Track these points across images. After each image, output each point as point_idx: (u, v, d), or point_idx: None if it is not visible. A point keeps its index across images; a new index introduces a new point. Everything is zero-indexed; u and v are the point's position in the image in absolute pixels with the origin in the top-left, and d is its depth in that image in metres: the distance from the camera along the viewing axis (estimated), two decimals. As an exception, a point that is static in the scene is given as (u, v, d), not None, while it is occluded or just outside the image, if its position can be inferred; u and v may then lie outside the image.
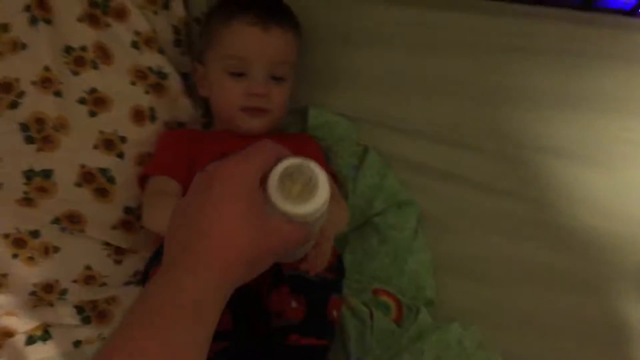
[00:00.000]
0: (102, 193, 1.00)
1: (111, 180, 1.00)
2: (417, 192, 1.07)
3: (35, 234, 0.96)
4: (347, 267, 1.01)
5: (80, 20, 1.00)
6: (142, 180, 0.99)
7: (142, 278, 0.96)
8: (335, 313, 0.88)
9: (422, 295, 1.01)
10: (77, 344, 1.00)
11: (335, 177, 1.04)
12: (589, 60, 1.08)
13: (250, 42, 0.96)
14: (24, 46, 0.97)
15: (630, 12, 1.17)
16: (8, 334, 0.99)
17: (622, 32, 1.10)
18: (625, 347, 0.99)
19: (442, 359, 0.92)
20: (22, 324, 0.99)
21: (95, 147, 0.99)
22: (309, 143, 1.05)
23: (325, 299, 0.86)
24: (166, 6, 1.07)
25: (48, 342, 1.00)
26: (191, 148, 1.00)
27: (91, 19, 1.00)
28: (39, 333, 0.99)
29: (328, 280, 0.88)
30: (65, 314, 1.00)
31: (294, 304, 0.84)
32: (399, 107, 1.10)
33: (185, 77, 1.09)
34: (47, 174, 0.97)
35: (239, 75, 0.97)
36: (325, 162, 1.05)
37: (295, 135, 1.09)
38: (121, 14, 1.03)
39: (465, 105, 1.09)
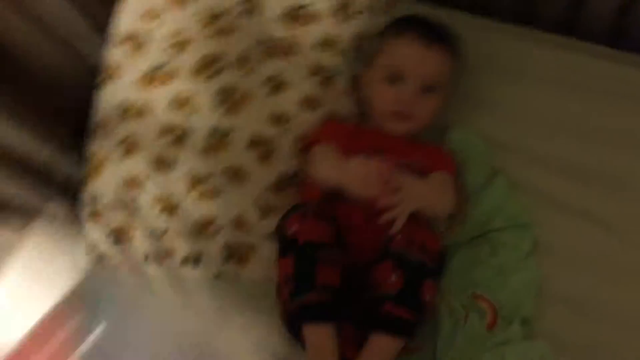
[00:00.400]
0: (265, 157, 1.21)
1: (274, 148, 1.21)
2: (539, 220, 1.13)
3: (206, 177, 1.19)
4: (454, 271, 1.11)
5: (280, 17, 1.22)
6: (306, 148, 1.17)
7: (277, 227, 1.13)
8: (428, 296, 0.98)
9: (519, 312, 1.07)
10: (217, 275, 1.21)
11: (462, 188, 1.16)
12: None
13: (412, 55, 1.12)
14: (232, 31, 1.21)
15: None
16: (170, 253, 1.23)
17: None
18: None
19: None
20: (182, 248, 1.22)
21: (268, 119, 1.20)
22: (446, 158, 1.17)
23: (421, 279, 0.97)
24: (353, 17, 1.26)
25: (196, 268, 1.22)
26: (347, 138, 1.17)
27: (289, 18, 1.23)
28: (192, 259, 1.22)
29: (427, 265, 0.98)
30: (214, 249, 1.22)
31: (393, 278, 0.96)
32: (537, 140, 1.18)
33: (354, 79, 1.27)
34: (226, 133, 1.20)
35: (394, 81, 1.13)
36: (458, 173, 1.16)
37: (435, 146, 1.21)
38: (315, 19, 1.24)
39: (602, 150, 1.14)
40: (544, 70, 1.21)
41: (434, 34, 1.14)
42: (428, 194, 1.06)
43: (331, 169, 1.06)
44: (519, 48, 1.22)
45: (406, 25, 1.18)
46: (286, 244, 1.02)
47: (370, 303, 1.00)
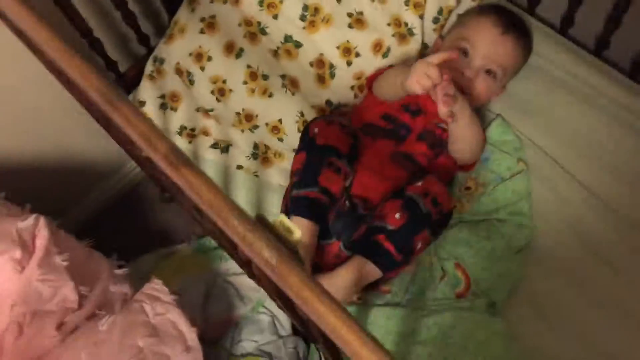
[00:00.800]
0: (321, 79, 1.30)
1: (332, 75, 1.30)
2: (540, 225, 1.19)
3: (266, 77, 1.28)
4: (448, 238, 1.17)
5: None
6: (372, 80, 1.25)
7: (304, 127, 1.19)
8: (419, 245, 1.04)
9: (490, 294, 1.13)
10: (239, 167, 1.30)
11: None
12: None
13: (485, 35, 1.19)
14: None
15: None
16: (205, 132, 1.32)
17: None
18: None
19: (472, 334, 1.05)
20: (217, 132, 1.31)
21: (337, 47, 1.29)
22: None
23: (420, 228, 1.04)
24: (444, -8, 1.34)
25: (223, 154, 1.31)
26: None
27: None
28: (223, 144, 1.31)
29: (432, 217, 1.05)
30: (245, 143, 1.31)
31: (397, 215, 1.03)
32: (568, 155, 1.23)
33: (425, 47, 1.35)
34: (298, 45, 1.30)
35: (462, 54, 1.20)
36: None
37: None
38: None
39: (622, 188, 1.19)
40: (602, 100, 1.27)
41: (512, 24, 1.20)
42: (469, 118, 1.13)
43: (398, 73, 1.13)
44: (584, 72, 1.28)
45: (490, 8, 1.25)
46: (305, 142, 1.11)
47: (367, 230, 1.07)
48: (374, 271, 1.03)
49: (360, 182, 1.13)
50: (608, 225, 1.18)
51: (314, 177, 1.05)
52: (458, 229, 1.19)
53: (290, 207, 1.07)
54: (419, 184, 1.06)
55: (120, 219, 1.60)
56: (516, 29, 1.21)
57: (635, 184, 1.19)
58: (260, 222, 0.51)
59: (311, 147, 1.09)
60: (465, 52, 1.20)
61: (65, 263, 0.97)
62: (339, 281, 1.01)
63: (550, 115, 1.27)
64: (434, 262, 1.14)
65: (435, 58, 1.03)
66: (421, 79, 1.02)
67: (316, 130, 1.11)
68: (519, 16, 1.28)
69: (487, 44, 1.19)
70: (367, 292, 1.16)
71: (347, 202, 1.12)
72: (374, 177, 1.13)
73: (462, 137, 1.13)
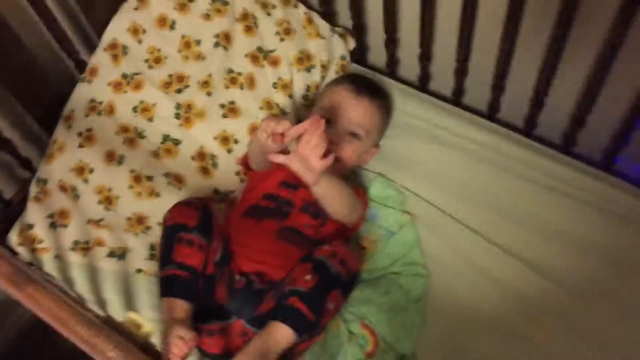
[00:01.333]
0: (204, 171, 1.33)
1: (215, 165, 1.34)
2: (435, 270, 1.25)
3: (150, 178, 1.31)
4: (351, 301, 1.20)
5: (246, 56, 1.39)
6: (245, 159, 1.30)
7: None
8: (331, 305, 1.05)
9: (398, 347, 1.16)
10: (138, 270, 1.29)
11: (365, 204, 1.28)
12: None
13: (342, 100, 1.28)
14: (203, 58, 1.38)
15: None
16: (99, 243, 1.32)
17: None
18: None
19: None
20: (111, 240, 1.31)
21: (215, 138, 1.34)
22: (358, 191, 1.28)
23: (331, 287, 1.05)
24: (308, 70, 1.43)
25: (120, 261, 1.30)
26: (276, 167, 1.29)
27: (253, 58, 1.40)
28: (119, 252, 1.31)
29: (341, 277, 1.07)
30: (141, 246, 1.31)
31: (308, 277, 1.04)
32: (450, 203, 1.31)
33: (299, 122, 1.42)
34: (176, 142, 1.34)
35: (327, 123, 1.27)
36: (364, 211, 1.28)
37: (351, 185, 1.33)
38: (275, 63, 1.41)
39: (509, 226, 1.27)
40: (470, 149, 1.37)
41: (365, 88, 1.30)
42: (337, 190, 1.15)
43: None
44: (453, 122, 1.39)
45: (344, 77, 1.36)
46: (163, 229, 1.16)
47: (280, 295, 1.08)
48: (286, 334, 1.02)
49: (250, 259, 1.15)
50: (507, 268, 1.24)
51: (168, 256, 1.10)
52: (360, 289, 1.22)
53: (160, 291, 1.10)
54: (326, 247, 1.09)
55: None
56: (369, 91, 1.30)
57: (523, 222, 1.27)
58: (108, 324, 0.52)
59: (163, 232, 1.15)
60: (328, 121, 1.27)
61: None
62: (254, 351, 1.00)
63: (426, 167, 1.36)
64: (340, 325, 1.16)
65: (294, 131, 1.08)
66: (261, 129, 1.09)
67: (167, 215, 1.16)
68: (372, 80, 1.39)
69: (344, 109, 1.27)
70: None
71: (240, 278, 1.14)
72: (264, 253, 1.16)
73: (328, 198, 1.16)
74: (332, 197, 1.15)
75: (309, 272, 1.06)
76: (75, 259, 1.29)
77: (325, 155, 1.06)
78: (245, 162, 1.30)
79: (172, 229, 1.13)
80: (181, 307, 1.07)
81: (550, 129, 1.38)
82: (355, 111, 1.28)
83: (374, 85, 1.35)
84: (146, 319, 1.19)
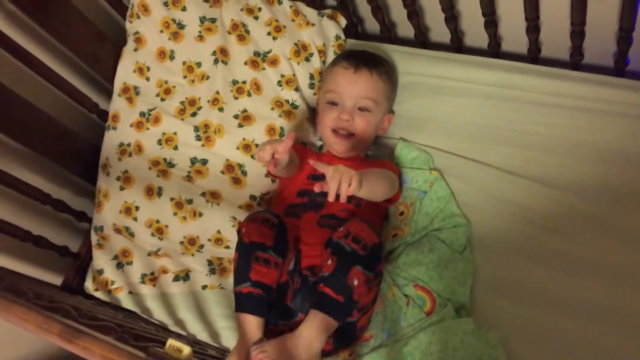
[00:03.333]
0: (236, 181, 1.41)
1: (244, 173, 1.41)
2: (473, 215, 1.27)
3: (189, 201, 1.40)
4: (400, 267, 1.25)
5: (245, 64, 1.45)
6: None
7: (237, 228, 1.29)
8: (355, 282, 1.09)
9: (455, 299, 1.20)
10: (204, 287, 1.40)
11: (398, 173, 1.32)
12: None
13: (342, 79, 1.32)
14: (207, 77, 1.45)
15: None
16: (164, 270, 1.43)
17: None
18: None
19: (448, 342, 1.11)
20: (173, 265, 1.42)
21: (237, 148, 1.41)
22: (388, 164, 1.34)
23: (349, 266, 1.10)
24: (307, 60, 1.48)
25: (186, 282, 1.41)
26: (305, 156, 1.35)
27: (253, 64, 1.46)
28: (182, 274, 1.41)
29: (358, 254, 1.11)
30: (199, 265, 1.41)
31: (329, 262, 1.11)
32: (471, 148, 1.33)
33: (313, 110, 1.47)
34: (204, 162, 1.42)
35: (333, 104, 1.32)
36: (399, 178, 1.32)
37: (378, 160, 1.38)
38: (274, 62, 1.46)
39: (526, 152, 1.28)
40: (481, 91, 1.38)
41: (361, 60, 1.33)
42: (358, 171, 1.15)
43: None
44: (460, 70, 1.40)
45: (339, 56, 1.39)
46: (237, 242, 1.20)
47: (315, 285, 1.15)
48: (326, 319, 1.08)
49: (305, 256, 1.22)
50: (533, 193, 1.26)
51: (246, 274, 1.14)
52: (406, 254, 1.27)
53: (235, 305, 1.16)
54: (341, 229, 1.14)
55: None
56: (366, 62, 1.33)
57: (538, 145, 1.28)
58: (152, 356, 0.60)
59: (239, 247, 1.18)
60: (334, 103, 1.32)
61: None
62: (300, 342, 1.06)
63: (440, 120, 1.38)
64: (396, 292, 1.21)
65: (282, 147, 1.13)
66: (258, 156, 1.17)
67: (243, 230, 1.20)
68: (367, 51, 1.41)
69: (347, 86, 1.31)
70: (355, 346, 1.22)
71: (298, 279, 1.21)
72: (314, 247, 1.22)
73: (370, 194, 1.19)
74: (373, 191, 1.18)
75: (329, 256, 1.11)
76: (146, 290, 1.41)
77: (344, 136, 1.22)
78: (272, 174, 1.37)
79: (250, 247, 1.14)
80: (255, 322, 1.13)
81: (555, 48, 1.37)
82: (358, 85, 1.31)
83: (370, 56, 1.38)
84: (219, 328, 1.30)
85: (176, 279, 1.41)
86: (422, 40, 1.51)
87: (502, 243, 1.24)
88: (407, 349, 1.14)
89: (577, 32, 1.27)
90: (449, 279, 1.21)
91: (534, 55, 1.39)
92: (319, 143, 1.47)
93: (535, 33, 1.32)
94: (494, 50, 1.43)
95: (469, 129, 1.35)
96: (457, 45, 1.47)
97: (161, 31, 1.50)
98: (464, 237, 1.25)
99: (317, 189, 1.05)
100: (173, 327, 1.37)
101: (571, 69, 1.34)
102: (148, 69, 1.49)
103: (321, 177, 1.29)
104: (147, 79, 1.49)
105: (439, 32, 1.48)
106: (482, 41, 1.43)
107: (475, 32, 1.42)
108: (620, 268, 1.14)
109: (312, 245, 1.24)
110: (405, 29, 1.53)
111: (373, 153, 1.44)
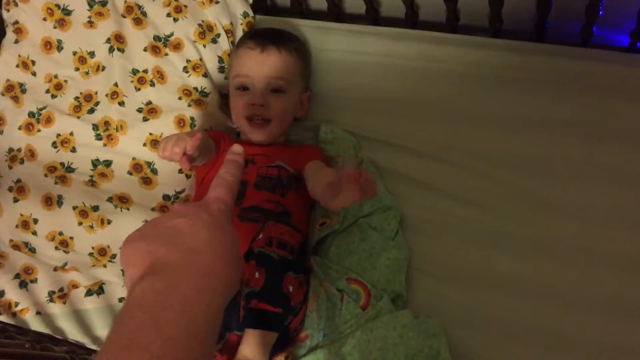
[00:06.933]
0: (146, 181, 1.28)
1: (154, 171, 1.28)
2: (403, 200, 1.21)
3: (95, 208, 1.26)
4: (330, 259, 1.18)
5: (145, 50, 1.31)
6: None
7: None
8: (290, 288, 1.03)
9: (390, 288, 1.13)
10: (121, 300, 1.27)
11: (325, 158, 1.24)
12: (568, 91, 1.18)
13: (250, 61, 1.21)
14: (103, 68, 1.30)
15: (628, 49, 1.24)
16: (74, 285, 1.29)
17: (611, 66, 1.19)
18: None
19: (387, 338, 1.05)
20: (84, 279, 1.28)
21: (145, 145, 1.28)
22: (314, 151, 1.25)
23: (281, 274, 1.03)
24: (214, 41, 1.35)
25: (101, 295, 1.28)
26: (222, 143, 1.24)
27: (154, 49, 1.31)
28: (95, 288, 1.28)
29: (287, 259, 1.04)
30: (114, 276, 1.28)
31: (257, 275, 1.02)
32: (396, 128, 1.27)
33: (225, 96, 1.35)
34: (108, 163, 1.28)
35: (244, 89, 1.22)
36: (328, 165, 1.24)
37: (302, 145, 1.29)
38: (177, 47, 1.33)
39: (452, 128, 1.23)
40: (400, 65, 1.31)
41: (267, 39, 1.23)
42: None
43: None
44: (377, 45, 1.32)
45: (244, 37, 1.28)
46: None
47: (244, 298, 1.05)
48: (266, 336, 1.02)
49: None
50: (463, 171, 1.21)
51: None
52: (335, 245, 1.19)
53: None
54: (260, 236, 1.06)
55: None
56: (273, 40, 1.23)
57: (475, 125, 1.23)
58: None
59: None
60: (244, 87, 1.21)
61: None
62: None
63: (359, 97, 1.30)
64: (328, 288, 1.14)
65: (189, 146, 1.06)
66: (163, 155, 1.10)
67: None
68: (272, 28, 1.31)
69: (255, 68, 1.21)
70: (291, 347, 1.14)
71: None
72: None
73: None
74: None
75: (255, 268, 1.03)
76: (56, 309, 1.27)
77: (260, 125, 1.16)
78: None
79: None
80: None
81: (473, 16, 1.31)
82: (267, 66, 1.21)
83: (276, 32, 1.28)
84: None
85: (89, 293, 1.28)
86: (336, 13, 1.41)
87: (434, 225, 1.19)
88: (346, 348, 1.07)
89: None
90: (383, 268, 1.15)
91: (452, 24, 1.33)
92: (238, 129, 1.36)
93: (454, 1, 1.25)
94: (412, 20, 1.36)
95: (392, 107, 1.27)
96: (372, 16, 1.39)
97: (44, 19, 1.33)
98: (395, 222, 1.19)
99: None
100: (91, 345, 1.24)
101: (492, 36, 1.29)
102: (33, 62, 1.32)
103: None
104: (34, 74, 1.32)
105: (354, 3, 1.39)
106: (399, 11, 1.35)
107: (391, 2, 1.34)
108: (560, 244, 1.12)
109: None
110: (318, 1, 1.43)
111: (295, 138, 1.34)
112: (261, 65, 1.21)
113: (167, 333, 0.53)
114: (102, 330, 1.25)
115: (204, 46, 1.34)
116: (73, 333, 1.25)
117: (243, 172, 0.80)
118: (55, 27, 1.32)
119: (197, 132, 1.03)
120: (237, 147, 0.81)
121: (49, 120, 1.30)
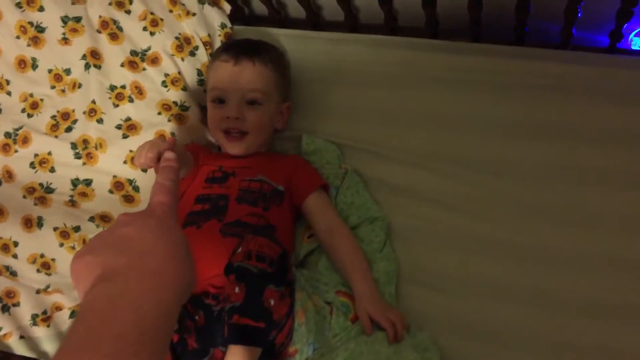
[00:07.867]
0: (128, 199, 1.26)
1: (136, 189, 1.26)
2: (388, 209, 1.20)
3: (76, 228, 1.23)
4: (319, 273, 1.16)
5: (122, 65, 1.29)
6: None
7: None
8: (272, 302, 1.00)
9: (380, 299, 1.13)
10: (106, 320, 1.25)
11: (327, 187, 1.22)
12: (548, 93, 1.18)
13: (224, 74, 1.19)
14: (80, 85, 1.28)
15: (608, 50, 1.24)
16: (58, 307, 1.27)
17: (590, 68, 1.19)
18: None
19: (381, 353, 1.04)
20: (68, 301, 1.26)
21: (125, 162, 1.25)
22: (297, 160, 1.24)
23: (261, 289, 1.00)
24: (192, 54, 1.33)
25: (85, 317, 1.26)
26: (201, 156, 1.22)
27: (131, 65, 1.29)
28: (79, 309, 1.26)
29: (267, 272, 1.01)
30: (99, 296, 1.26)
31: (237, 290, 1.00)
32: (379, 136, 1.25)
33: (206, 109, 1.33)
34: (88, 182, 1.25)
35: (220, 102, 1.20)
36: (316, 174, 1.23)
37: (286, 155, 1.28)
38: (155, 61, 1.31)
39: (434, 134, 1.22)
40: (383, 72, 1.30)
41: (241, 50, 1.21)
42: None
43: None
44: (359, 52, 1.31)
45: (218, 50, 1.26)
46: None
47: (226, 314, 1.03)
48: (250, 351, 0.99)
49: (204, 278, 1.09)
50: (447, 177, 1.20)
51: None
52: (325, 258, 1.18)
53: None
54: (239, 250, 1.04)
55: None
56: (247, 52, 1.21)
57: (458, 131, 1.22)
58: None
59: None
60: (220, 100, 1.20)
61: None
62: None
63: (342, 107, 1.29)
64: (317, 301, 1.13)
65: (163, 149, 1.00)
66: (139, 163, 1.05)
67: None
68: (248, 39, 1.30)
69: (229, 81, 1.19)
70: (280, 363, 1.13)
71: (201, 314, 1.08)
72: (213, 262, 1.10)
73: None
74: None
75: (235, 283, 1.00)
76: (40, 332, 1.24)
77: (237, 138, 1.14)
78: None
79: None
80: None
81: (452, 22, 1.31)
82: (241, 78, 1.19)
83: (251, 44, 1.26)
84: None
85: (73, 315, 1.25)
86: (314, 21, 1.40)
87: (420, 233, 1.18)
88: (339, 361, 1.06)
89: (474, 1, 1.20)
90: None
91: (432, 29, 1.32)
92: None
93: (432, 7, 1.25)
94: (391, 26, 1.35)
95: (374, 115, 1.26)
96: (352, 23, 1.38)
97: (17, 37, 1.30)
98: (382, 233, 1.17)
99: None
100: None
101: (472, 40, 1.28)
102: (7, 82, 1.30)
103: (220, 179, 1.18)
104: (8, 93, 1.30)
105: (332, 10, 1.38)
106: (378, 18, 1.34)
107: (370, 8, 1.33)
108: (549, 249, 1.11)
109: (211, 260, 1.11)
110: (297, 9, 1.41)
111: (277, 149, 1.33)
112: (235, 78, 1.19)
113: (116, 331, 0.55)
114: (88, 352, 1.22)
115: (182, 59, 1.32)
116: (58, 356, 1.22)
117: (191, 173, 0.81)
118: (29, 45, 1.30)
119: (170, 137, 1.00)
120: (168, 154, 0.89)
121: (25, 141, 1.27)
